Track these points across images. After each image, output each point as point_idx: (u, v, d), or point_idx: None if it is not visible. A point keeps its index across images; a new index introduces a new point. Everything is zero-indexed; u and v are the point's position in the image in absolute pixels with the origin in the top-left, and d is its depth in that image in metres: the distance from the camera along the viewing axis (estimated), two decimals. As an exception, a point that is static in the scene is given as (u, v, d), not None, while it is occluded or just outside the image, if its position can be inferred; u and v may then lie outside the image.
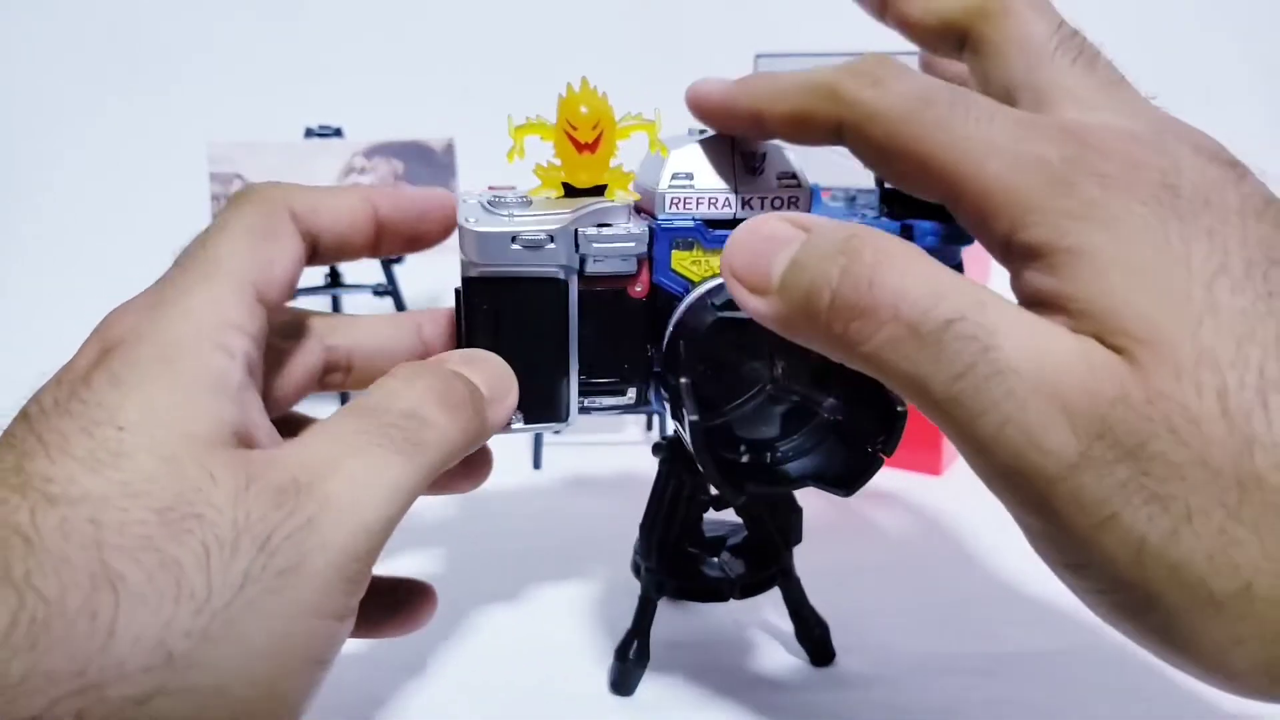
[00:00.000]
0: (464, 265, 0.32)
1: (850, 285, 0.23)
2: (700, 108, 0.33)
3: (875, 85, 0.26)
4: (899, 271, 0.23)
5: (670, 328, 0.33)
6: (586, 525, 0.53)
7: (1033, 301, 0.23)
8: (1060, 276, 0.22)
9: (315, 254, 0.32)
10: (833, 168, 0.63)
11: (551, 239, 0.32)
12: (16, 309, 0.84)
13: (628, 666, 0.38)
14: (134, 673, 0.21)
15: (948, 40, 0.30)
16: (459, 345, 0.33)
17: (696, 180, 0.33)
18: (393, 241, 0.33)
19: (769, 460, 0.34)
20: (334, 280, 0.69)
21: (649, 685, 0.38)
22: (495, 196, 0.33)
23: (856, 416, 0.33)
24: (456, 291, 0.33)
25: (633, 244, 0.33)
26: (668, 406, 0.34)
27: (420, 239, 0.34)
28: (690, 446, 0.31)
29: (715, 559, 0.39)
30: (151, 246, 0.93)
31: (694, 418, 0.30)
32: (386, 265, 0.66)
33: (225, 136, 0.64)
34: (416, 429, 0.27)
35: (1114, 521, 0.21)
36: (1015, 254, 0.24)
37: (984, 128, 0.24)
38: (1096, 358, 0.21)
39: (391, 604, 0.35)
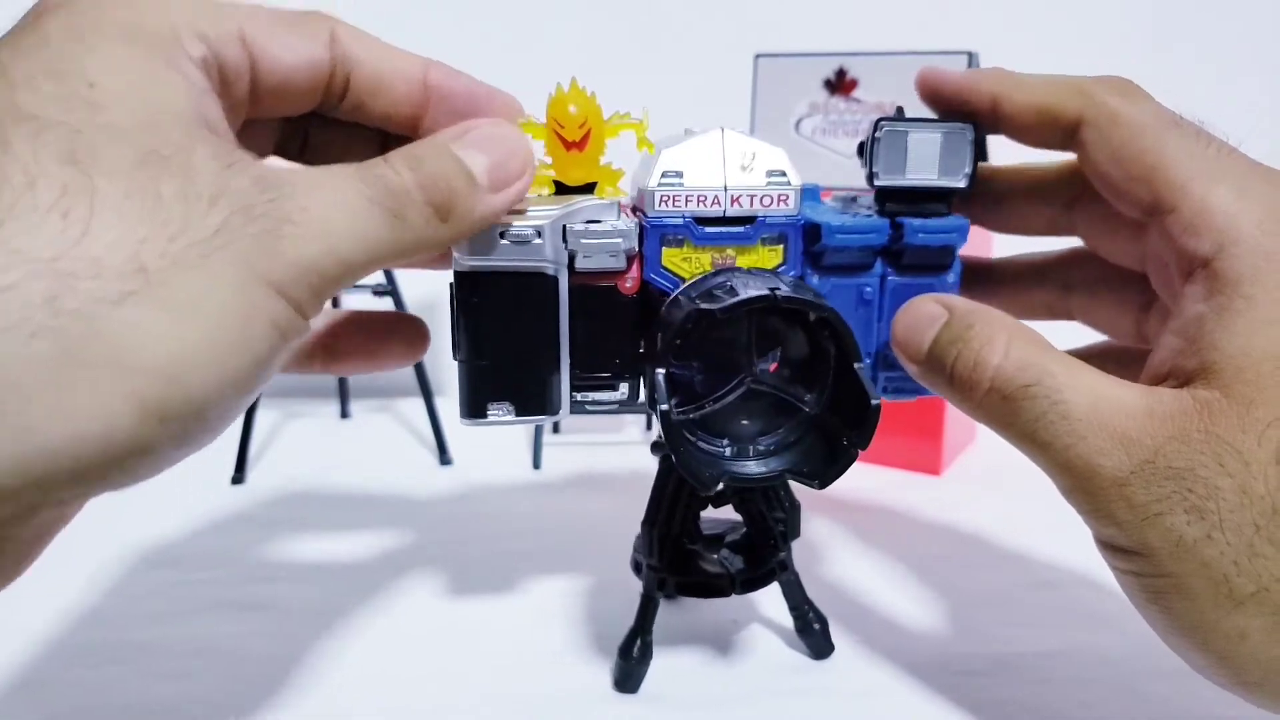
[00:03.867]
0: (455, 260, 0.33)
1: (962, 365, 0.31)
2: (932, 88, 0.36)
3: (1126, 96, 0.32)
4: (997, 353, 0.30)
5: (655, 323, 0.34)
6: (586, 525, 0.53)
7: (1176, 316, 0.30)
8: (1215, 309, 0.28)
9: (349, 90, 0.31)
10: (832, 168, 0.63)
11: (539, 234, 0.32)
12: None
13: (631, 664, 0.38)
14: (108, 274, 0.21)
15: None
16: (452, 338, 0.34)
17: (686, 178, 0.33)
18: (438, 118, 0.33)
19: (751, 453, 0.34)
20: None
21: (650, 682, 0.38)
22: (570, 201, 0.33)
23: (837, 411, 0.33)
24: (450, 286, 0.33)
25: (619, 240, 0.33)
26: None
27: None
28: (663, 437, 0.31)
29: (715, 555, 0.39)
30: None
31: (664, 407, 0.30)
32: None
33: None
34: (402, 207, 0.27)
35: (1159, 520, 0.27)
36: (1197, 274, 0.29)
37: (1223, 158, 0.30)
38: (1162, 408, 0.28)
39: (385, 335, 0.36)
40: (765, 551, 0.39)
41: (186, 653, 0.40)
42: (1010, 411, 0.29)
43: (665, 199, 0.33)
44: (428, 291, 0.79)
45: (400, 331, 0.37)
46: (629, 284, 0.34)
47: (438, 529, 0.52)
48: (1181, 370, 0.29)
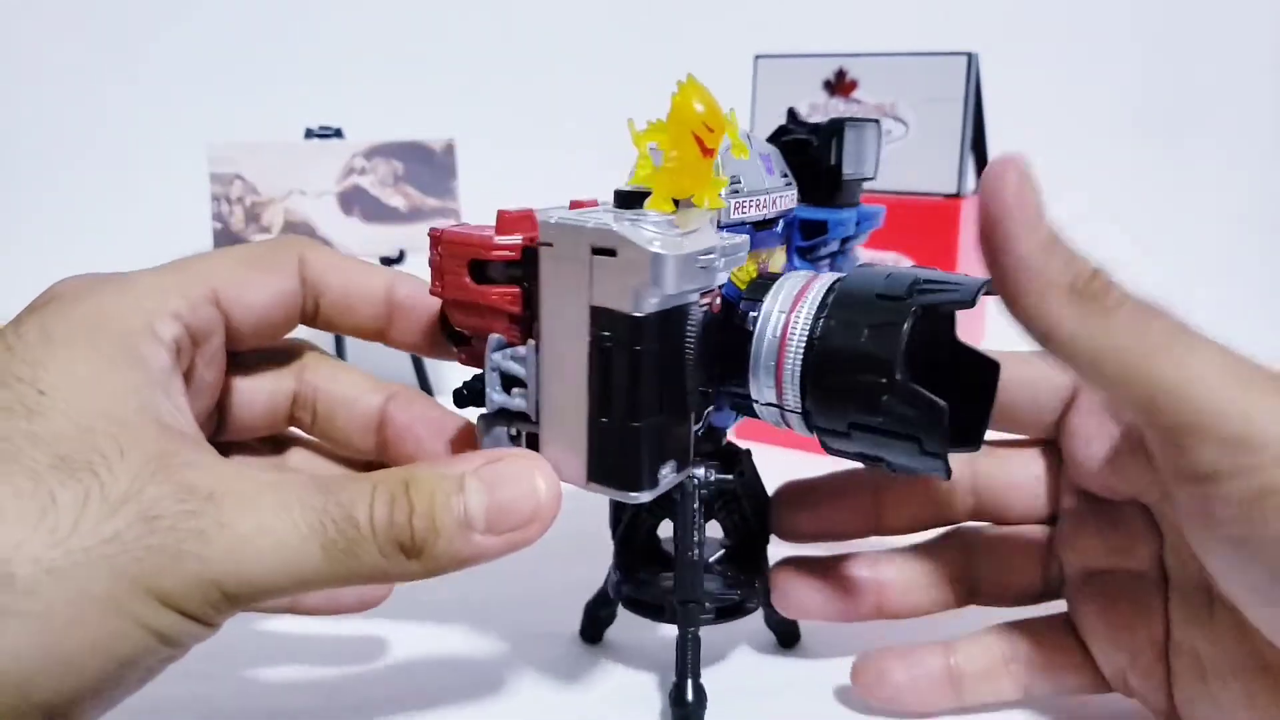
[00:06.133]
0: (635, 299, 0.27)
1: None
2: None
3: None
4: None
5: (801, 335, 0.29)
6: (587, 526, 0.53)
7: None
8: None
9: (319, 312, 0.33)
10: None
11: (721, 256, 0.28)
12: (16, 310, 0.84)
13: (689, 710, 0.34)
14: None
15: None
16: (603, 396, 0.28)
17: (745, 183, 0.32)
18: (404, 331, 0.33)
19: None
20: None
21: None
22: (638, 212, 0.28)
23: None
24: (599, 334, 0.27)
25: (743, 255, 0.29)
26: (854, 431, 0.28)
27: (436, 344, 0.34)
28: (939, 441, 0.27)
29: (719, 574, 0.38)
30: (152, 246, 0.93)
31: (944, 403, 0.26)
32: (387, 266, 0.66)
33: (225, 137, 0.64)
34: (353, 544, 0.25)
35: None
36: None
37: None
38: None
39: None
40: (752, 559, 0.37)
41: (187, 653, 0.40)
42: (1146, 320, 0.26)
43: (737, 206, 0.31)
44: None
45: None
46: (718, 301, 0.31)
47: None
48: None
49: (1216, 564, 0.27)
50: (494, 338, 0.30)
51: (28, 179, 0.84)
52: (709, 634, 0.38)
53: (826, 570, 0.36)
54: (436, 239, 0.30)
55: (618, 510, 0.38)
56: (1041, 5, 0.77)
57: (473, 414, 0.32)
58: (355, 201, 0.65)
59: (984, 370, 0.32)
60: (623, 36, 0.79)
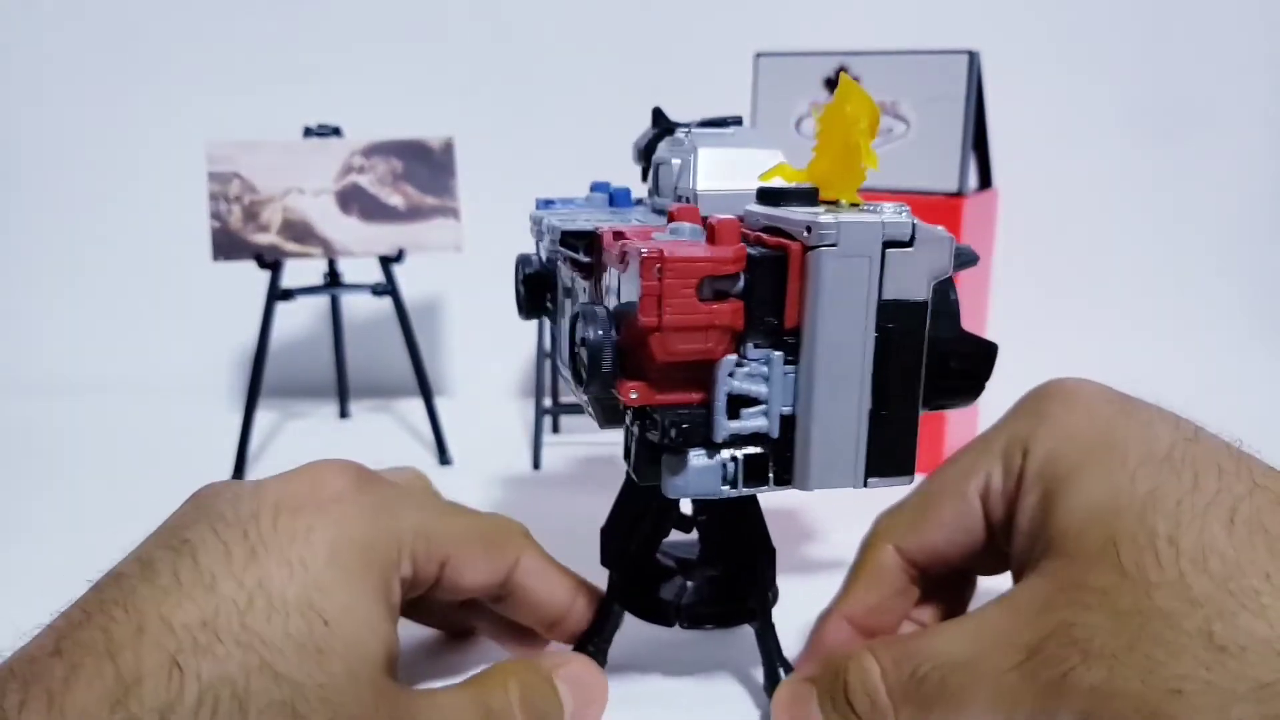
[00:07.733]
0: (926, 284, 0.29)
1: (860, 703, 0.31)
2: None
3: None
4: (873, 672, 0.31)
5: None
6: (586, 525, 0.53)
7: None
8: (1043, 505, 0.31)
9: (503, 602, 0.36)
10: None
11: None
12: (14, 309, 0.83)
13: None
14: None
15: None
16: (881, 392, 0.30)
17: None
18: (567, 633, 0.38)
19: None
20: (333, 280, 0.69)
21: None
22: (871, 205, 0.29)
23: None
24: (882, 335, 0.29)
25: None
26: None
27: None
28: (988, 374, 0.32)
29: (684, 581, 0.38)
30: (150, 246, 0.93)
31: (994, 342, 0.32)
32: (385, 265, 0.65)
33: (223, 136, 0.64)
34: None
35: (1066, 680, 0.26)
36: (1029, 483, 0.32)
37: None
38: (1018, 599, 0.29)
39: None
40: (731, 591, 0.37)
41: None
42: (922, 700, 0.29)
43: None
44: (427, 291, 0.79)
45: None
46: None
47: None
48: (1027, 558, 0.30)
49: None
50: (728, 359, 0.29)
51: (25, 178, 0.83)
52: (707, 638, 0.38)
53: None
54: (654, 262, 0.27)
55: (633, 527, 0.38)
56: (1043, 4, 0.77)
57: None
58: (354, 200, 0.65)
59: None
60: (623, 34, 0.79)
